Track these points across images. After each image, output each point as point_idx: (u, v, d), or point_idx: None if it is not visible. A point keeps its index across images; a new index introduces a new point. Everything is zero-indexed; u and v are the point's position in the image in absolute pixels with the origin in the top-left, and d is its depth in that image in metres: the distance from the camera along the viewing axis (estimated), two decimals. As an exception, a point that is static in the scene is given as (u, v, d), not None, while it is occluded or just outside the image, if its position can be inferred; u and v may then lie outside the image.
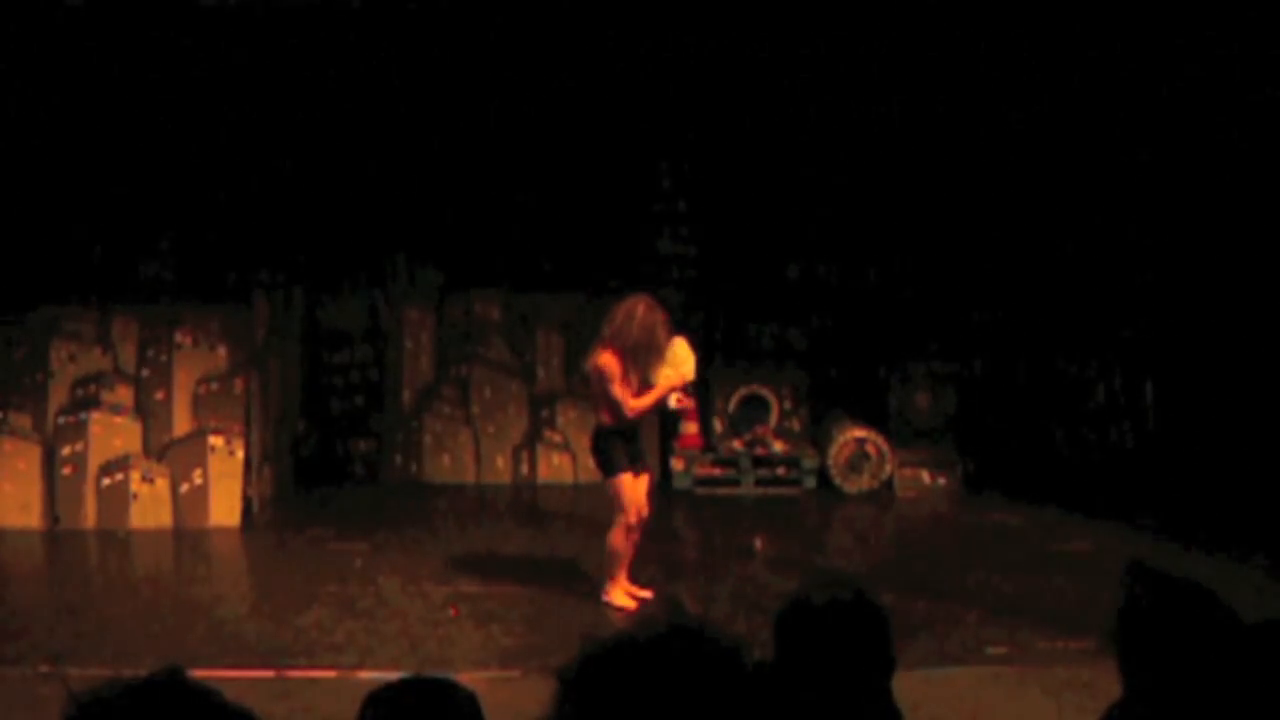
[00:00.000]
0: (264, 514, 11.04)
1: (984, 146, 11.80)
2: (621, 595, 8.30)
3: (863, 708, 2.75)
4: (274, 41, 11.09)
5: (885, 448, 11.89)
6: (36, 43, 10.67)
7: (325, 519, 10.86)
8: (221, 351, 10.93)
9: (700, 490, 11.96)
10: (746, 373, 12.50)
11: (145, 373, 10.91)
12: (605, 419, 8.08)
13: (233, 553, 10.28)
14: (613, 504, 8.16)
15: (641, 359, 7.93)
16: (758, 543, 10.25)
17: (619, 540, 8.16)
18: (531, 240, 12.41)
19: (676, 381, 8.05)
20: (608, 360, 7.92)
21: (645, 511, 8.21)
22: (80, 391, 10.79)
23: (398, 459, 12.44)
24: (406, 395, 12.51)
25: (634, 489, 8.08)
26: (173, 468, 10.63)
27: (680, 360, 8.08)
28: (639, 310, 7.94)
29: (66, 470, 10.58)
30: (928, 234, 12.24)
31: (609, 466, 8.08)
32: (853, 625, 2.77)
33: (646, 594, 8.42)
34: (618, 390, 7.91)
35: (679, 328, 12.42)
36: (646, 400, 8.00)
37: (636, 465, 8.15)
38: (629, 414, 7.97)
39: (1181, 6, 9.92)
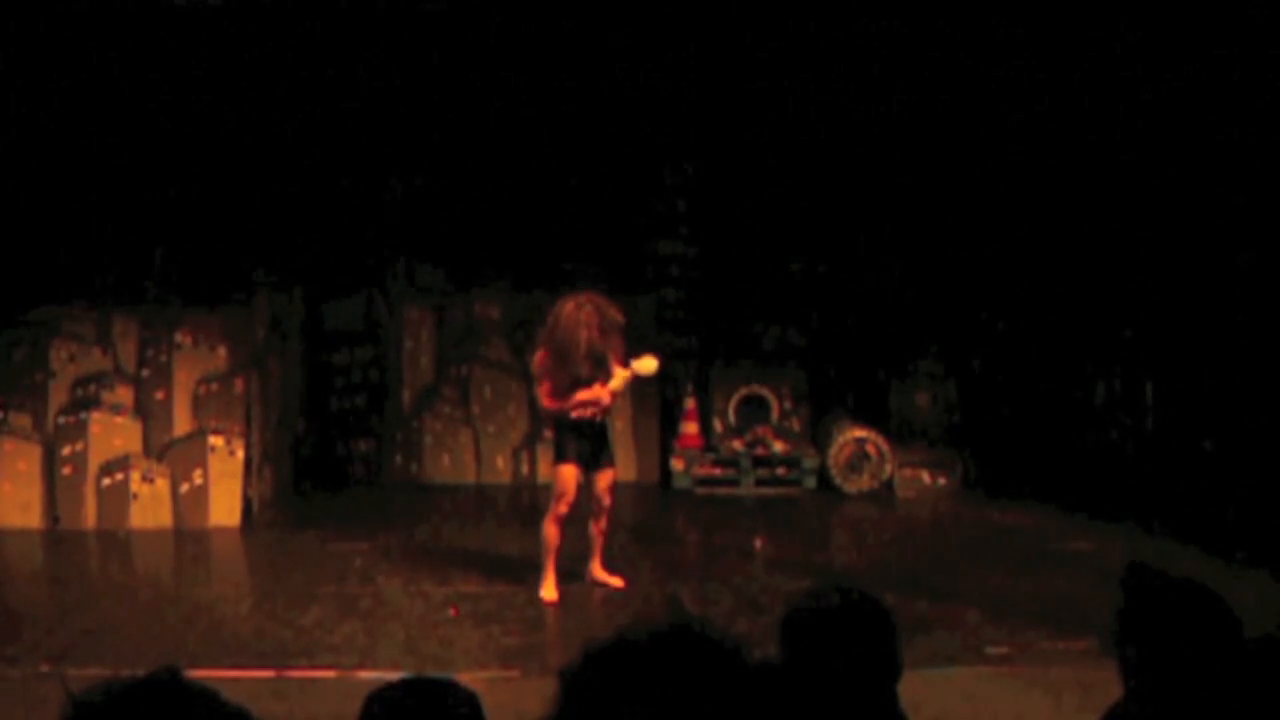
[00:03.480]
0: (264, 514, 11.03)
1: (984, 147, 11.80)
2: (549, 588, 8.35)
3: (868, 712, 2.74)
4: (275, 41, 11.09)
5: (885, 448, 11.89)
6: (38, 44, 10.66)
7: (325, 519, 10.86)
8: (222, 351, 10.93)
9: (700, 490, 11.96)
10: (746, 373, 12.50)
11: (145, 373, 10.91)
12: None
13: (233, 553, 10.29)
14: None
15: (568, 359, 8.00)
16: (758, 543, 10.24)
17: (547, 528, 8.30)
18: (532, 240, 12.40)
19: (597, 394, 8.11)
20: (538, 359, 8.28)
21: (606, 500, 8.36)
22: (80, 391, 10.78)
23: (398, 459, 12.43)
24: (406, 395, 12.50)
25: (570, 481, 8.20)
26: (173, 468, 10.63)
27: (636, 368, 8.20)
28: (564, 310, 8.10)
29: (66, 470, 10.58)
30: (928, 234, 12.24)
31: (555, 453, 8.39)
32: (860, 630, 2.77)
33: (617, 582, 8.60)
34: (538, 388, 8.37)
35: (677, 327, 12.54)
36: (557, 403, 8.15)
37: (589, 461, 8.25)
38: (543, 413, 8.40)
39: (1183, 7, 9.92)
